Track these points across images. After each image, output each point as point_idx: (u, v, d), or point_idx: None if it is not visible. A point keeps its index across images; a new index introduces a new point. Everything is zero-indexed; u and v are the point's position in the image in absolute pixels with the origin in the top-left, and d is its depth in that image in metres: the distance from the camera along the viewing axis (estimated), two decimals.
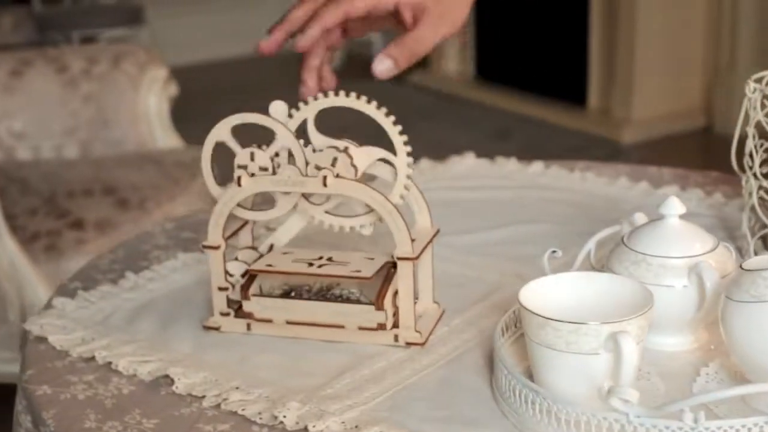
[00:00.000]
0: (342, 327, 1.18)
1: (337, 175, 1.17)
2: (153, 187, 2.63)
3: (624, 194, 1.61)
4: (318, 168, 1.17)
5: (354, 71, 5.70)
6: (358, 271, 1.17)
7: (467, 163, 1.78)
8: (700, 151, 4.52)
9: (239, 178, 1.18)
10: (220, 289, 1.22)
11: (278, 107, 1.22)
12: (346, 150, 1.19)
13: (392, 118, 1.21)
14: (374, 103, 1.21)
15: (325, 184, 1.16)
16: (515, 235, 1.48)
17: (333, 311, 1.17)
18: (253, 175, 1.19)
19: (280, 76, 5.52)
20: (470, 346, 1.18)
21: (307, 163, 1.18)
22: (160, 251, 1.47)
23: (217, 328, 1.23)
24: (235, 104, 4.85)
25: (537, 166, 1.73)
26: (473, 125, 4.70)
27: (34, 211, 2.48)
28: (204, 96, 5.14)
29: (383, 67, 1.23)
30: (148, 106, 2.97)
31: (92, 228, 2.42)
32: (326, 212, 1.22)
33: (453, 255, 1.41)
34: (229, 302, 1.23)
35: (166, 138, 2.97)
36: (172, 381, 1.12)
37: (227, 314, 1.22)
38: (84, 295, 1.33)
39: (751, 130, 1.36)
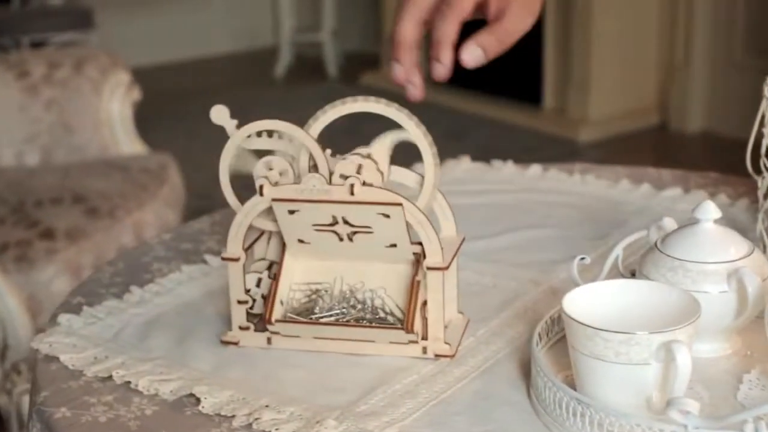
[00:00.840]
0: (372, 341, 1.14)
1: (364, 183, 1.13)
2: (121, 195, 2.57)
3: (626, 197, 1.59)
4: (343, 177, 1.13)
5: (303, 73, 5.67)
6: (393, 246, 1.12)
7: (463, 167, 1.75)
8: (656, 149, 4.54)
9: (261, 188, 1.14)
10: (240, 302, 1.18)
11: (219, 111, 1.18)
12: (369, 156, 1.15)
13: (415, 120, 1.17)
14: (395, 106, 1.17)
15: (352, 193, 1.12)
16: (522, 241, 1.45)
17: (361, 333, 1.14)
18: (276, 183, 1.15)
19: (225, 78, 5.47)
20: (500, 357, 1.15)
21: (330, 172, 1.14)
22: (161, 263, 1.42)
23: (235, 343, 1.19)
24: (188, 108, 4.80)
25: (535, 169, 1.70)
26: (427, 126, 4.65)
27: (2, 221, 2.41)
28: (155, 100, 5.06)
29: (473, 55, 1.18)
30: (111, 111, 2.91)
31: (63, 237, 2.36)
32: None
33: (464, 262, 1.37)
34: (248, 316, 1.19)
35: (129, 144, 2.91)
36: (197, 400, 1.08)
37: (246, 328, 1.18)
38: (90, 311, 1.28)
39: (767, 131, 1.34)
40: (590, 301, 1.04)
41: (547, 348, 1.12)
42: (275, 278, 1.17)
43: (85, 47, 3.59)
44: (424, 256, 1.14)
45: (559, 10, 4.60)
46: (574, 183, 1.65)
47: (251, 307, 1.19)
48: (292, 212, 1.14)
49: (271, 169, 1.17)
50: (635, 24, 4.58)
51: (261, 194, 1.14)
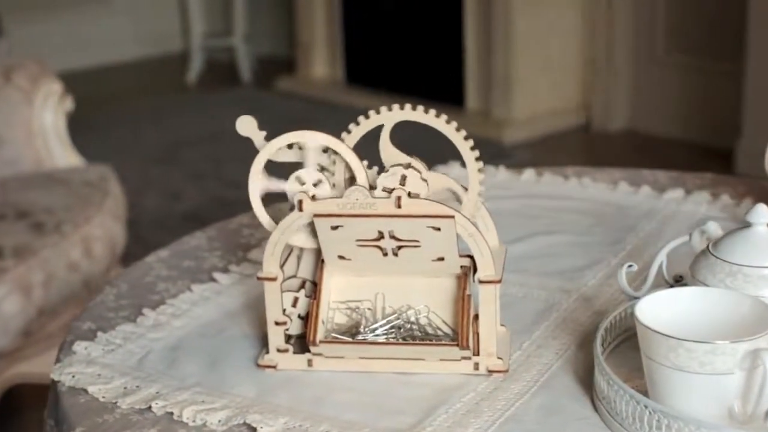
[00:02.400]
0: (422, 359, 1.10)
1: (409, 194, 1.08)
2: (66, 209, 2.47)
3: (629, 200, 1.57)
4: (387, 190, 1.08)
5: (216, 78, 5.57)
6: (441, 260, 1.07)
7: (454, 173, 1.71)
8: (582, 148, 4.57)
9: (300, 203, 1.09)
10: (278, 323, 1.12)
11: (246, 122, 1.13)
12: (409, 165, 1.10)
13: (463, 132, 1.13)
14: (444, 117, 1.12)
15: (399, 205, 1.07)
16: (540, 248, 1.42)
17: (413, 351, 1.09)
18: (313, 197, 1.09)
19: (134, 85, 5.35)
20: (554, 369, 1.12)
21: (371, 185, 1.09)
22: (166, 283, 1.35)
23: (273, 367, 1.13)
24: (99, 117, 4.66)
25: (529, 174, 1.67)
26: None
27: None
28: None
29: None
30: (44, 122, 2.79)
31: (11, 255, 2.25)
32: None
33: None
34: (286, 337, 1.13)
35: (65, 156, 2.80)
36: (250, 429, 1.02)
37: (285, 351, 1.12)
38: (105, 337, 1.21)
39: None
40: (660, 311, 1.01)
41: (605, 358, 1.09)
42: (315, 297, 1.11)
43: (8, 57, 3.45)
44: (474, 269, 1.09)
45: (480, 10, 4.60)
46: (572, 187, 1.62)
47: (287, 329, 1.13)
48: (335, 228, 1.09)
49: (303, 184, 1.11)
50: (557, 23, 4.60)
51: (300, 209, 1.09)
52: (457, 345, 1.08)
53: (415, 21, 4.89)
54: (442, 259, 1.09)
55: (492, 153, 4.42)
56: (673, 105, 4.48)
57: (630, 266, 1.15)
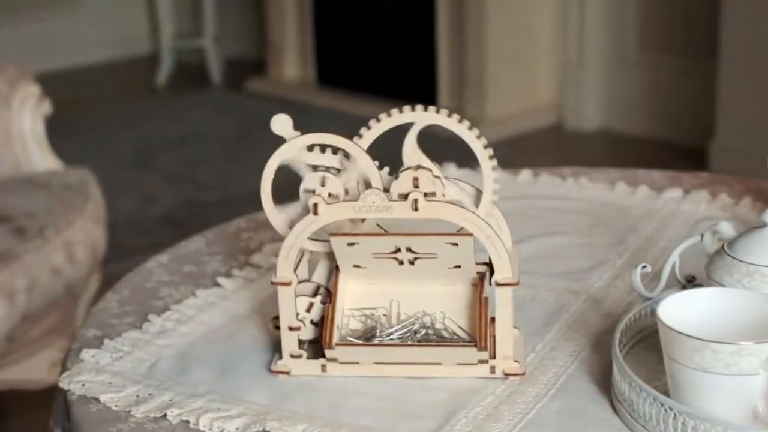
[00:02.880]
0: (438, 364, 1.09)
1: (425, 195, 1.07)
2: (48, 213, 2.44)
3: (628, 200, 1.57)
4: (402, 196, 1.07)
5: (186, 80, 5.53)
6: (458, 267, 1.07)
7: (449, 173, 1.70)
8: (555, 147, 4.58)
9: (315, 206, 1.08)
10: (291, 329, 1.11)
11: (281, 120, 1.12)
12: (419, 167, 1.09)
13: (476, 131, 1.12)
14: (455, 116, 1.11)
15: (416, 208, 1.06)
16: (543, 249, 1.41)
17: (430, 353, 1.08)
18: (329, 195, 1.08)
19: (103, 87, 5.31)
20: (570, 372, 1.11)
21: (385, 189, 1.08)
22: (169, 288, 1.34)
23: (287, 373, 1.11)
24: (68, 119, 4.61)
25: (525, 174, 1.66)
26: (324, 131, 4.61)
27: None
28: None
29: None
30: (22, 125, 2.76)
31: None
32: None
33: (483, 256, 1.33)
34: (299, 342, 1.12)
35: (43, 159, 2.77)
36: None
37: (299, 356, 1.11)
38: (112, 345, 1.19)
39: None
40: (681, 311, 1.01)
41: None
42: (330, 301, 1.10)
43: None
44: (491, 272, 1.09)
45: (452, 10, 4.59)
46: (570, 188, 1.61)
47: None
48: (351, 244, 1.09)
49: (323, 186, 1.10)
50: (529, 22, 4.60)
51: (315, 213, 1.08)
52: (475, 346, 1.07)
53: (386, 21, 4.88)
54: (458, 266, 1.09)
55: (465, 152, 4.42)
56: (645, 104, 4.49)
57: (644, 267, 1.14)
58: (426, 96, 4.78)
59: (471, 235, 1.05)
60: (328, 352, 1.09)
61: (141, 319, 1.26)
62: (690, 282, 1.17)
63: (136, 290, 1.33)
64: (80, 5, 5.63)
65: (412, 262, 1.09)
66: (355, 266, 1.09)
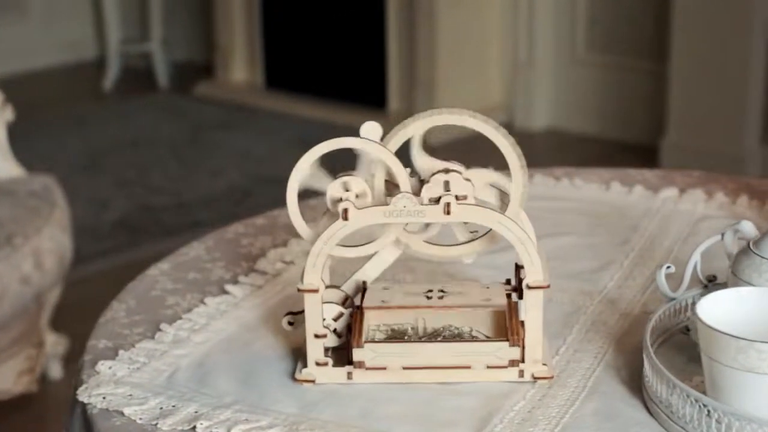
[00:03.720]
0: (467, 368, 1.08)
1: (457, 197, 1.06)
2: (15, 221, 2.39)
3: (624, 200, 1.57)
4: (433, 200, 1.06)
5: (133, 85, 5.46)
6: (488, 300, 1.07)
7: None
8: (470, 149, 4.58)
9: (345, 211, 1.06)
10: (317, 336, 1.09)
11: (372, 128, 1.10)
12: (447, 170, 1.08)
13: (503, 130, 1.11)
14: (481, 117, 1.10)
15: (448, 212, 1.05)
16: (549, 251, 1.38)
17: (459, 352, 1.07)
18: (357, 196, 1.07)
19: (49, 93, 5.22)
20: (597, 374, 1.11)
21: (415, 192, 1.07)
22: (175, 296, 1.31)
23: (312, 381, 1.10)
24: (27, 124, 4.53)
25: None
26: (272, 134, 4.58)
27: None
28: None
29: None
30: None
31: None
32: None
33: (501, 276, 1.32)
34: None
35: (6, 167, 2.71)
36: None
37: (324, 364, 1.09)
38: (127, 355, 1.16)
39: None
40: (720, 311, 1.01)
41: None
42: (358, 307, 1.09)
43: None
44: (521, 275, 1.08)
45: (402, 12, 4.59)
46: (565, 188, 1.61)
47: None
48: (386, 288, 1.11)
49: (347, 191, 1.08)
50: (479, 23, 4.61)
51: (345, 218, 1.06)
52: (507, 341, 1.06)
53: (336, 23, 4.87)
54: (488, 299, 1.08)
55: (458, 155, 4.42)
56: (594, 103, 4.52)
57: (668, 267, 1.14)
58: (376, 98, 4.77)
59: (502, 308, 1.07)
60: (355, 353, 1.07)
61: (152, 328, 1.23)
62: (711, 282, 1.17)
63: (142, 299, 1.31)
64: (26, 10, 5.54)
65: (441, 297, 1.09)
66: (383, 302, 1.08)
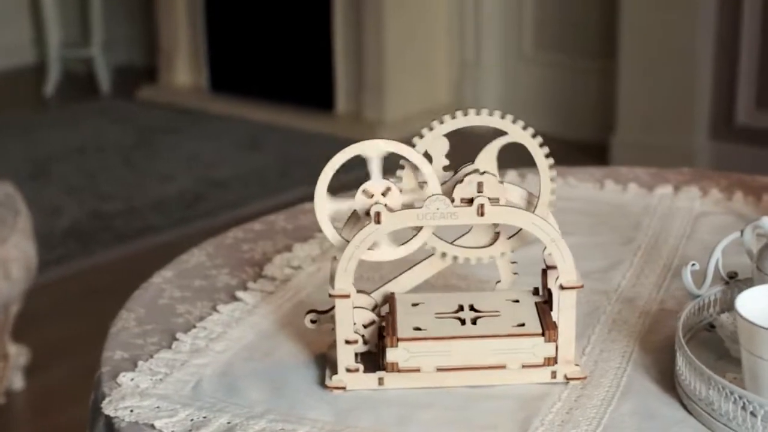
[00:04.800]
0: (502, 367, 1.07)
1: (490, 200, 1.05)
2: None
3: (621, 198, 1.57)
4: (465, 200, 1.05)
5: (75, 89, 5.38)
6: (522, 325, 1.07)
7: None
8: (453, 148, 4.58)
9: (378, 215, 1.04)
10: (348, 342, 1.07)
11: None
12: (484, 172, 1.07)
13: (531, 130, 1.10)
14: (510, 117, 1.09)
15: (481, 213, 1.04)
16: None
17: (496, 349, 1.06)
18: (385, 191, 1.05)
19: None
20: (629, 373, 1.11)
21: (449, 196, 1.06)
22: (185, 305, 1.29)
23: (342, 388, 1.08)
24: None
25: (511, 175, 1.65)
26: (220, 137, 4.54)
27: None
28: None
29: None
30: None
31: None
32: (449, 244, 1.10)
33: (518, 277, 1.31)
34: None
35: None
36: None
37: (355, 370, 1.08)
38: (147, 366, 1.14)
39: None
40: (757, 307, 1.01)
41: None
42: (391, 311, 1.08)
43: None
44: (543, 278, 1.08)
45: (349, 12, 4.58)
46: (559, 187, 1.60)
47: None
48: (415, 305, 1.09)
49: (371, 196, 1.07)
50: (427, 23, 4.62)
51: (377, 221, 1.05)
52: (543, 336, 1.06)
53: (282, 25, 4.84)
54: (522, 324, 1.08)
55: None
56: (543, 102, 4.55)
57: (693, 265, 1.14)
58: (323, 101, 4.76)
59: (541, 334, 1.06)
60: (390, 353, 1.06)
61: (166, 338, 1.20)
62: (732, 278, 1.18)
63: (152, 308, 1.28)
64: None
65: (474, 322, 1.08)
66: (416, 329, 1.07)
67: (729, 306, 1.18)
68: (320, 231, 1.47)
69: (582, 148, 4.35)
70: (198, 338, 1.20)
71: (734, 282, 1.18)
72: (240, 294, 1.29)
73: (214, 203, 3.97)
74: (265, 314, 1.25)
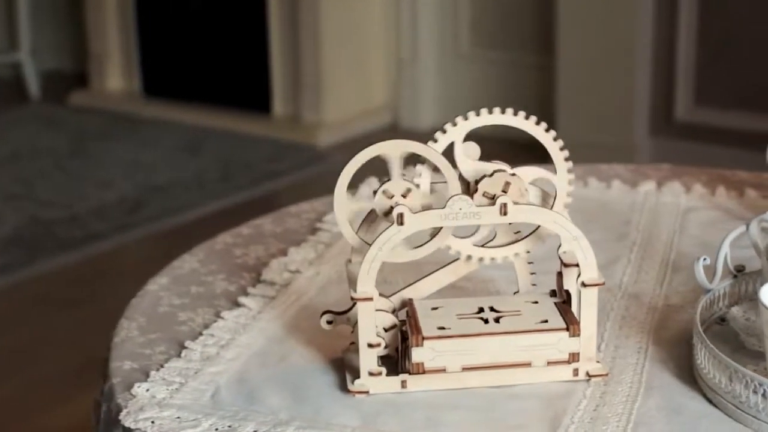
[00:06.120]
0: (527, 365, 1.07)
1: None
2: None
3: (607, 195, 1.59)
4: (488, 196, 1.05)
5: (2, 96, 5.28)
6: (545, 322, 1.07)
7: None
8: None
9: (401, 216, 1.04)
10: (371, 346, 1.06)
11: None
12: (514, 174, 1.07)
13: (544, 127, 1.10)
14: (533, 118, 1.09)
15: (504, 212, 1.04)
16: (551, 248, 1.40)
17: (521, 346, 1.06)
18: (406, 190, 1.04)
19: None
20: (647, 369, 1.11)
21: (473, 190, 1.06)
22: (186, 312, 1.27)
23: (366, 392, 1.07)
24: None
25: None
26: (157, 142, 4.49)
27: None
28: None
29: None
30: None
31: None
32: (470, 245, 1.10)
33: (510, 273, 1.31)
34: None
35: None
36: None
37: (378, 374, 1.07)
38: (160, 376, 1.12)
39: None
40: None
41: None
42: (411, 313, 1.07)
43: None
44: (559, 276, 1.09)
45: (284, 13, 4.55)
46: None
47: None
48: (435, 308, 1.09)
49: (391, 197, 1.06)
50: (363, 23, 4.61)
51: (401, 223, 1.04)
52: (567, 330, 1.06)
53: (216, 27, 4.80)
54: (545, 321, 1.08)
55: (307, 157, 4.40)
56: (482, 100, 4.53)
57: (705, 259, 1.15)
58: (259, 102, 4.73)
59: (566, 329, 1.06)
60: (415, 353, 1.05)
61: (173, 346, 1.18)
62: (740, 272, 1.19)
63: (152, 316, 1.26)
64: None
65: (497, 321, 1.07)
66: (440, 328, 1.06)
67: (739, 299, 1.19)
68: (313, 234, 1.48)
69: (522, 145, 4.36)
70: (207, 346, 1.18)
71: (742, 275, 1.19)
72: (243, 299, 1.28)
73: (156, 209, 3.92)
74: (271, 319, 1.23)
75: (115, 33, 5.02)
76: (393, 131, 4.70)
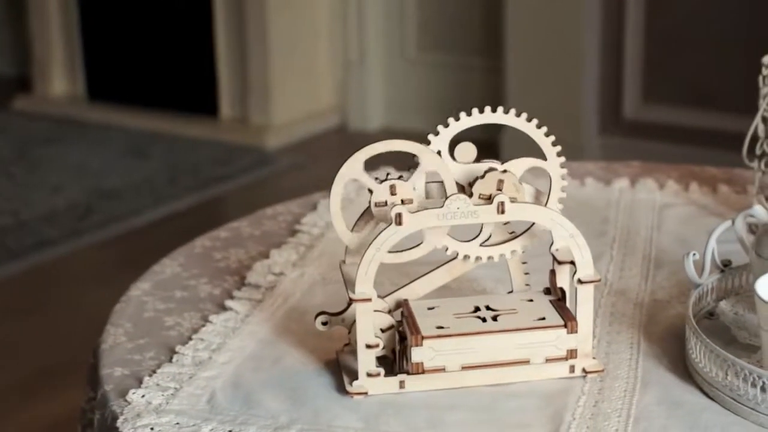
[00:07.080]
0: (525, 363, 1.07)
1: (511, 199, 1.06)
2: None
3: (581, 192, 1.59)
4: (484, 196, 1.05)
5: None
6: (542, 319, 1.07)
7: None
8: (339, 150, 4.58)
9: (399, 216, 1.03)
10: (369, 347, 1.06)
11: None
12: (505, 171, 1.07)
13: (544, 129, 1.11)
14: (525, 115, 1.10)
15: (502, 211, 1.04)
16: (536, 245, 1.41)
17: (520, 344, 1.06)
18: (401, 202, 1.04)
19: None
20: (642, 364, 1.12)
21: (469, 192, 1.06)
22: (172, 317, 1.25)
23: (364, 393, 1.07)
24: None
25: None
26: (103, 147, 4.44)
27: None
28: None
29: None
30: None
31: None
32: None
33: (497, 271, 1.31)
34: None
35: None
36: None
37: (376, 375, 1.07)
38: (153, 382, 1.10)
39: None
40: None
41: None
42: (408, 314, 1.07)
43: None
44: (552, 273, 1.09)
45: (231, 15, 4.52)
46: None
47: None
48: (431, 308, 1.09)
49: (394, 194, 1.06)
50: (309, 24, 4.59)
51: (399, 223, 1.03)
52: (565, 327, 1.06)
53: (161, 29, 4.75)
54: (543, 318, 1.08)
55: (255, 160, 4.37)
56: (430, 102, 4.57)
57: (694, 255, 1.16)
58: (206, 105, 4.69)
59: (563, 326, 1.07)
60: (415, 353, 1.05)
61: (163, 351, 1.17)
62: (726, 266, 1.20)
63: (138, 322, 1.24)
64: None
65: (495, 319, 1.08)
66: (439, 327, 1.06)
67: (726, 293, 1.20)
68: (292, 236, 1.48)
69: (479, 145, 4.39)
70: (198, 350, 1.17)
71: (729, 270, 1.20)
72: (230, 303, 1.26)
73: (106, 214, 3.87)
74: (260, 322, 1.22)
75: (58, 36, 4.96)
76: (341, 133, 4.69)
